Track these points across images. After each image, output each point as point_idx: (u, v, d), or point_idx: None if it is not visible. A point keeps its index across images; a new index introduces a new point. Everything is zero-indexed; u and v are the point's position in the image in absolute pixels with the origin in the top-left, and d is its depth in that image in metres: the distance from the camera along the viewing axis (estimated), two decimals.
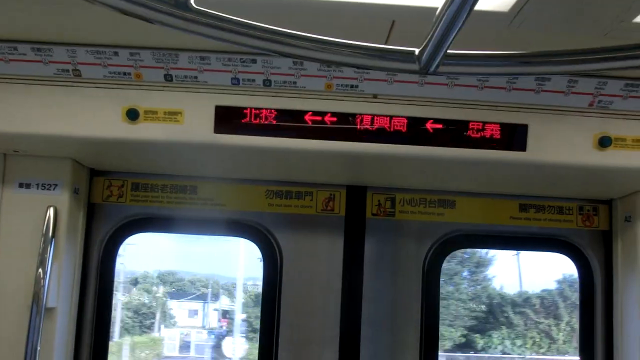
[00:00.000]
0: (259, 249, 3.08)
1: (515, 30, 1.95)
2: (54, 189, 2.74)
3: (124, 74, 2.39)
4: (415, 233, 3.10)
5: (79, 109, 2.44)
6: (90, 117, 2.44)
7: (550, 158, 2.51)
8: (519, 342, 11.10)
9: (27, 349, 2.50)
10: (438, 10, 1.20)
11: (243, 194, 3.07)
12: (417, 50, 1.39)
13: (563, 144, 2.51)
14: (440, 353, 3.10)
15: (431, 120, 2.48)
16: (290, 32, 1.34)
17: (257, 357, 3.03)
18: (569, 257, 3.20)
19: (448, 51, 1.37)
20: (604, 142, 2.49)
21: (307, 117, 2.47)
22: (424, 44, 1.35)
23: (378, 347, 3.01)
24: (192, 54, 2.32)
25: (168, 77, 2.41)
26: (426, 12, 1.68)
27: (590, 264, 3.15)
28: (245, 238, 3.12)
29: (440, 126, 2.48)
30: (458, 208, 3.12)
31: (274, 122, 2.46)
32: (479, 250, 11.26)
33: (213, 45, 2.27)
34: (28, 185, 2.74)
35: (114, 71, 2.39)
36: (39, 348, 2.51)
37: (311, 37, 1.36)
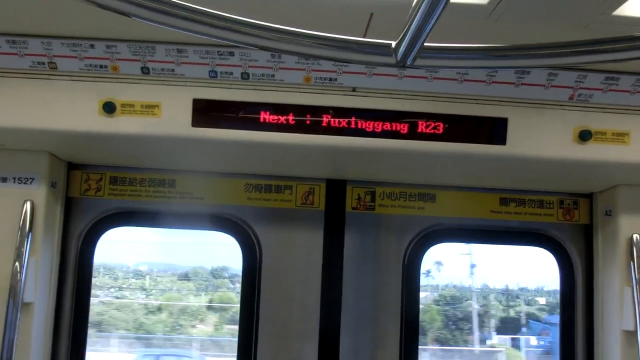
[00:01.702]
0: (238, 242, 3.07)
1: (494, 23, 1.95)
2: (30, 183, 2.71)
3: (101, 66, 2.36)
4: (395, 227, 3.10)
5: (55, 102, 2.41)
6: (67, 110, 2.41)
7: (530, 152, 2.51)
8: None
9: (3, 344, 2.47)
10: (414, 3, 1.19)
11: (222, 188, 3.05)
12: (393, 43, 1.38)
13: (543, 137, 2.51)
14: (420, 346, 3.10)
15: (411, 114, 2.47)
16: (265, 25, 1.32)
17: (236, 351, 3.02)
18: (549, 251, 3.21)
19: (425, 44, 1.35)
20: (584, 136, 2.50)
21: (285, 111, 2.45)
22: (400, 37, 1.34)
23: (358, 340, 3.01)
24: (169, 47, 2.30)
25: (145, 70, 2.38)
26: (404, 5, 1.66)
27: (571, 257, 3.16)
28: (224, 232, 3.09)
29: (419, 120, 2.48)
30: (438, 202, 3.12)
31: (252, 116, 2.44)
32: None
33: (190, 37, 2.23)
34: (4, 179, 2.70)
35: (90, 64, 2.36)
36: (15, 343, 2.49)
37: (286, 29, 1.34)
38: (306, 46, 1.39)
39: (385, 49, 1.39)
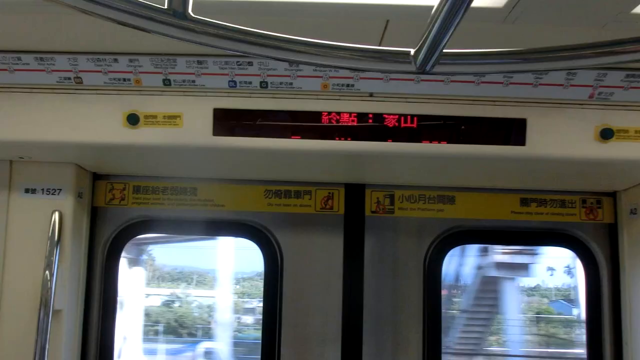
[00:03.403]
0: (259, 248, 3.10)
1: (511, 26, 1.94)
2: (58, 194, 2.79)
3: (124, 80, 2.42)
4: (415, 230, 3.10)
5: (81, 115, 2.47)
6: (92, 123, 2.47)
7: (551, 152, 2.49)
8: None
9: (35, 350, 2.54)
10: (433, 10, 1.19)
11: (242, 194, 3.08)
12: (412, 51, 1.39)
13: (563, 137, 2.49)
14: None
15: (428, 117, 2.48)
16: (281, 37, 1.34)
17: (259, 356, 3.05)
18: (573, 251, 3.17)
19: (444, 50, 1.36)
20: (606, 134, 2.47)
21: (304, 117, 2.47)
22: (419, 44, 1.35)
23: (380, 344, 3.01)
24: (190, 59, 2.34)
25: (167, 82, 2.42)
26: (420, 11, 1.68)
27: (596, 257, 3.12)
28: (245, 238, 3.13)
29: (437, 123, 2.48)
30: (458, 204, 3.11)
31: (272, 123, 2.47)
32: None
33: (210, 49, 2.27)
34: (34, 191, 2.79)
35: (114, 77, 2.41)
36: (47, 349, 2.56)
37: (303, 40, 1.36)
38: (324, 57, 1.41)
39: (404, 57, 1.40)
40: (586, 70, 2.37)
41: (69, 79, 2.42)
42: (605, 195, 3.14)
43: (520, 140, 2.47)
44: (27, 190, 2.78)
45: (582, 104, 2.49)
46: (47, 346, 2.56)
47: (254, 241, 3.11)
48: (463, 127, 2.48)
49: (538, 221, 3.12)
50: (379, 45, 1.44)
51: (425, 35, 1.30)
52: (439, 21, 1.23)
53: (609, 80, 2.39)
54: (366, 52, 1.41)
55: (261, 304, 3.07)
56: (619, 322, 3.04)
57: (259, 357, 3.05)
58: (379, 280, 3.05)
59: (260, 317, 3.08)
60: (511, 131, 2.48)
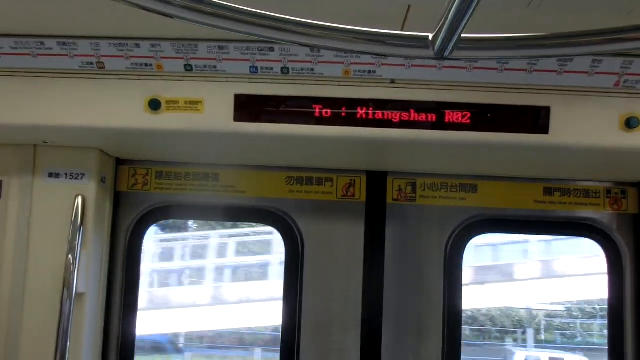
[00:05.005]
0: (281, 234, 3.11)
1: (534, 11, 1.92)
2: (81, 179, 2.83)
3: (146, 65, 2.44)
4: (436, 218, 3.08)
5: (103, 100, 2.50)
6: (114, 108, 2.49)
7: (574, 140, 2.46)
8: None
9: (59, 332, 2.60)
10: None
11: (264, 181, 3.09)
12: (430, 36, 1.38)
13: (587, 126, 2.45)
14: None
15: (451, 105, 2.46)
16: (302, 21, 1.34)
17: (279, 343, 3.08)
18: (596, 241, 3.14)
19: (462, 35, 1.35)
20: (631, 123, 2.43)
21: (325, 104, 2.47)
22: (437, 29, 1.34)
23: (400, 332, 3.01)
24: (211, 44, 2.34)
25: (188, 67, 2.44)
26: None
27: (619, 248, 3.08)
28: (266, 224, 3.15)
29: (460, 110, 2.46)
30: (480, 192, 3.09)
31: (293, 109, 2.47)
32: None
33: (231, 34, 2.28)
34: (57, 175, 2.83)
35: (136, 62, 2.43)
36: (70, 331, 2.61)
37: (323, 25, 1.36)
38: (343, 41, 1.41)
39: (422, 42, 1.39)
40: (612, 57, 2.32)
41: (92, 64, 2.44)
42: (630, 186, 3.10)
43: (544, 129, 2.45)
44: (50, 175, 2.83)
45: (607, 92, 2.45)
46: (69, 329, 2.61)
47: (275, 227, 3.13)
48: (486, 114, 2.45)
49: (561, 211, 3.09)
50: (401, 31, 1.43)
51: (443, 20, 1.30)
52: (456, 5, 1.22)
53: (635, 68, 2.35)
54: (384, 37, 1.40)
55: None
56: None
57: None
58: (400, 268, 3.05)
59: None
60: (535, 119, 2.45)
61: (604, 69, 2.36)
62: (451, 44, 1.37)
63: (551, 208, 3.09)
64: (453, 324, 3.04)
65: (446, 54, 1.40)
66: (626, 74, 2.38)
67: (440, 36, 1.35)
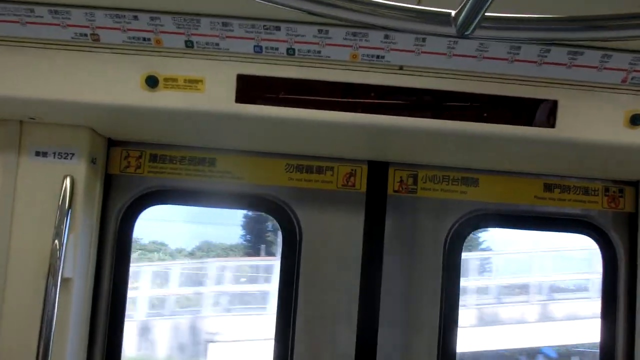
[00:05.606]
0: (278, 223, 3.06)
1: None
2: (71, 159, 2.71)
3: (144, 39, 2.34)
4: (436, 211, 3.06)
5: (97, 74, 2.39)
6: (108, 83, 2.39)
7: (580, 135, 2.45)
8: None
9: (43, 319, 2.49)
10: None
11: (262, 168, 3.03)
12: (453, 13, 1.34)
13: (593, 121, 2.44)
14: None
15: (458, 94, 2.42)
16: None
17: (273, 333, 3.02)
18: (592, 239, 3.15)
19: (486, 14, 1.31)
20: (635, 120, 2.43)
21: (330, 88, 2.41)
22: (461, 5, 1.29)
23: (397, 324, 2.99)
24: (214, 20, 2.25)
25: (189, 44, 2.35)
26: None
27: (615, 246, 3.10)
28: (264, 212, 3.09)
29: (466, 101, 2.42)
30: (481, 186, 3.07)
31: (297, 93, 2.41)
32: None
33: (236, 11, 2.21)
34: (45, 154, 2.70)
35: (133, 36, 2.33)
36: (55, 318, 2.51)
37: None
38: (360, 13, 1.35)
39: (444, 18, 1.35)
40: (621, 53, 2.31)
41: (85, 35, 2.33)
42: (627, 185, 3.12)
43: (551, 122, 2.43)
44: (37, 154, 2.70)
45: (614, 88, 2.44)
46: (54, 316, 2.50)
47: (272, 216, 3.07)
48: (493, 106, 2.42)
49: (560, 207, 3.10)
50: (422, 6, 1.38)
51: None
52: None
53: None
54: (405, 12, 1.35)
55: None
56: (634, 311, 3.02)
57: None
58: (398, 260, 3.02)
59: None
60: (542, 112, 2.43)
61: (613, 64, 2.35)
62: (474, 22, 1.32)
63: (550, 204, 3.09)
64: (450, 317, 3.02)
65: (468, 32, 1.36)
66: (634, 71, 2.37)
67: (464, 13, 1.31)
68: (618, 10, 1.38)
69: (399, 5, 1.34)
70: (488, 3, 1.25)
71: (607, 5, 1.84)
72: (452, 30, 1.36)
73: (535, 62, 2.35)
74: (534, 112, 2.43)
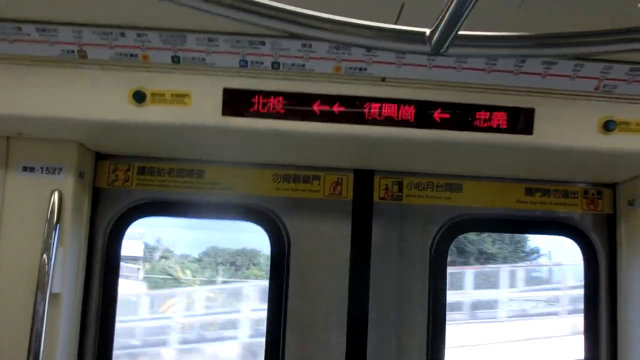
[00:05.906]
0: (266, 233, 3.08)
1: (525, 12, 1.94)
2: (58, 173, 2.71)
3: (131, 55, 2.37)
4: (422, 217, 3.10)
5: (85, 91, 2.41)
6: (96, 99, 2.41)
7: (557, 142, 2.51)
8: None
9: (31, 335, 2.48)
10: None
11: (250, 178, 3.05)
12: (428, 31, 1.39)
13: (569, 128, 2.51)
14: None
15: (439, 104, 2.47)
16: (299, 11, 1.33)
17: (264, 341, 3.04)
18: (574, 240, 3.21)
19: (459, 32, 1.36)
20: (609, 126, 2.50)
21: (315, 100, 2.46)
22: (435, 24, 1.35)
23: (386, 330, 3.02)
24: (200, 36, 2.29)
25: (175, 59, 2.39)
26: None
27: (595, 247, 3.16)
28: (252, 222, 3.10)
29: (447, 110, 2.48)
30: (465, 192, 3.12)
31: (282, 106, 2.45)
32: None
33: (221, 26, 2.25)
34: (32, 169, 2.70)
35: (120, 52, 2.36)
36: (43, 334, 2.49)
37: (321, 16, 1.35)
38: (339, 33, 1.41)
39: (419, 37, 1.40)
40: (593, 62, 2.39)
41: (73, 52, 2.35)
42: (605, 187, 3.18)
43: (528, 130, 2.49)
44: (25, 169, 2.69)
45: (588, 96, 2.51)
46: (43, 331, 2.49)
47: (261, 225, 3.09)
48: (473, 114, 2.48)
49: (541, 210, 3.15)
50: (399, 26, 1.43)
51: (441, 16, 1.31)
52: (455, 2, 1.23)
53: (614, 73, 2.41)
54: (381, 31, 1.41)
55: None
56: (615, 311, 3.08)
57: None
58: (386, 266, 3.05)
59: None
60: (520, 120, 2.49)
61: (586, 73, 2.42)
62: (448, 41, 1.38)
63: (532, 208, 3.14)
64: (437, 322, 3.06)
65: (442, 50, 1.42)
66: (606, 79, 2.44)
67: (438, 32, 1.37)
68: (584, 28, 1.45)
69: (376, 26, 1.39)
70: (460, 22, 1.31)
71: (573, 22, 1.93)
72: (426, 48, 1.42)
73: (511, 71, 2.41)
74: (513, 120, 2.49)
